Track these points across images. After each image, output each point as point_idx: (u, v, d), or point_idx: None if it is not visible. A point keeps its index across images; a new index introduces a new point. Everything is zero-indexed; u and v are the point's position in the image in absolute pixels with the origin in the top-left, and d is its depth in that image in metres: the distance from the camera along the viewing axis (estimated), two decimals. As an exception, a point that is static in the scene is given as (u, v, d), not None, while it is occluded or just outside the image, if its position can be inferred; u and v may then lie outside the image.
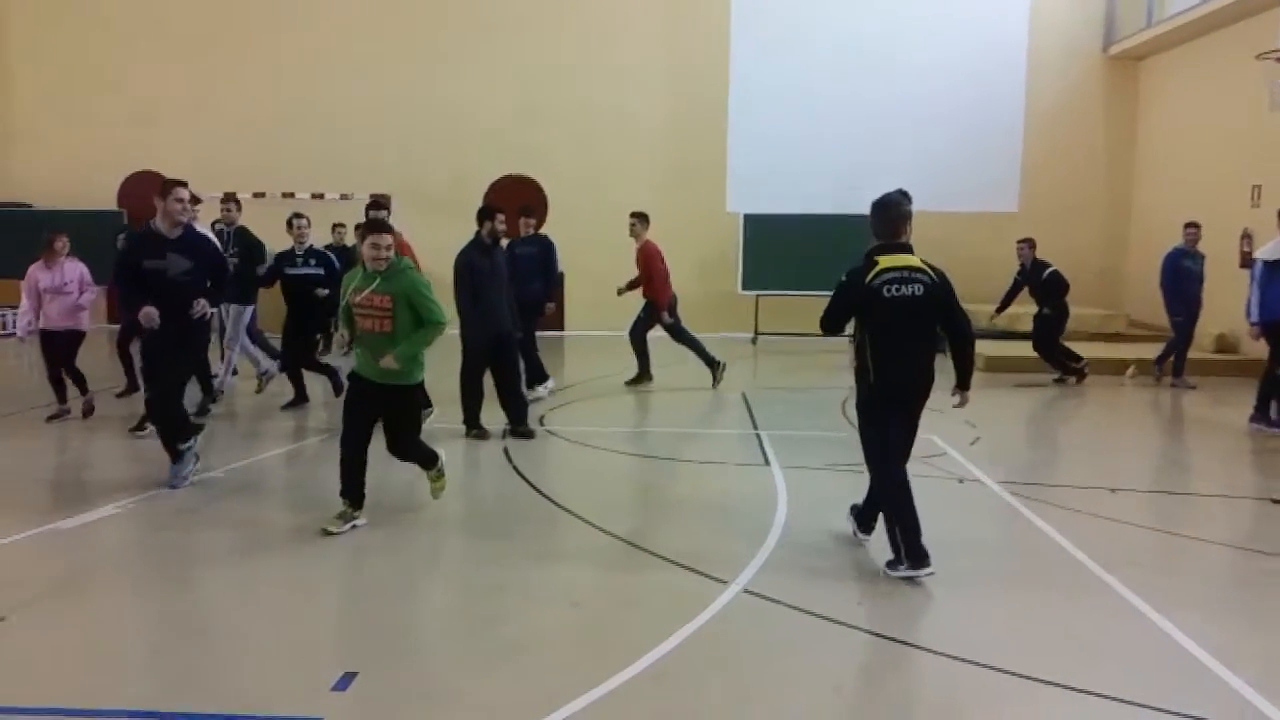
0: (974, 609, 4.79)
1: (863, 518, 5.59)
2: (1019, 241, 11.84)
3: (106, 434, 8.36)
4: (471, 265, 8.26)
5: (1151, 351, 12.10)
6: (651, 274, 10.86)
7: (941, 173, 16.02)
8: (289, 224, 9.41)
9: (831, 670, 4.12)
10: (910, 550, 4.97)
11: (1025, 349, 12.06)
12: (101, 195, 16.45)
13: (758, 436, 8.66)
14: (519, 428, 8.46)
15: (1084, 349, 12.47)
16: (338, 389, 9.34)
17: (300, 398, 9.56)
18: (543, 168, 16.40)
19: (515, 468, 7.44)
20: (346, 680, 3.87)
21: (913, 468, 7.26)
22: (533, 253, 9.88)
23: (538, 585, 5.07)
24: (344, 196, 15.87)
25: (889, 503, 5.16)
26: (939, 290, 5.06)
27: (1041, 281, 11.61)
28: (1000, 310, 12.05)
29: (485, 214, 8.45)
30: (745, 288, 16.00)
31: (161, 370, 6.62)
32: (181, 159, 15.92)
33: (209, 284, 6.77)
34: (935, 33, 16.25)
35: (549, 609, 4.73)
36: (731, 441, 8.64)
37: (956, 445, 8.09)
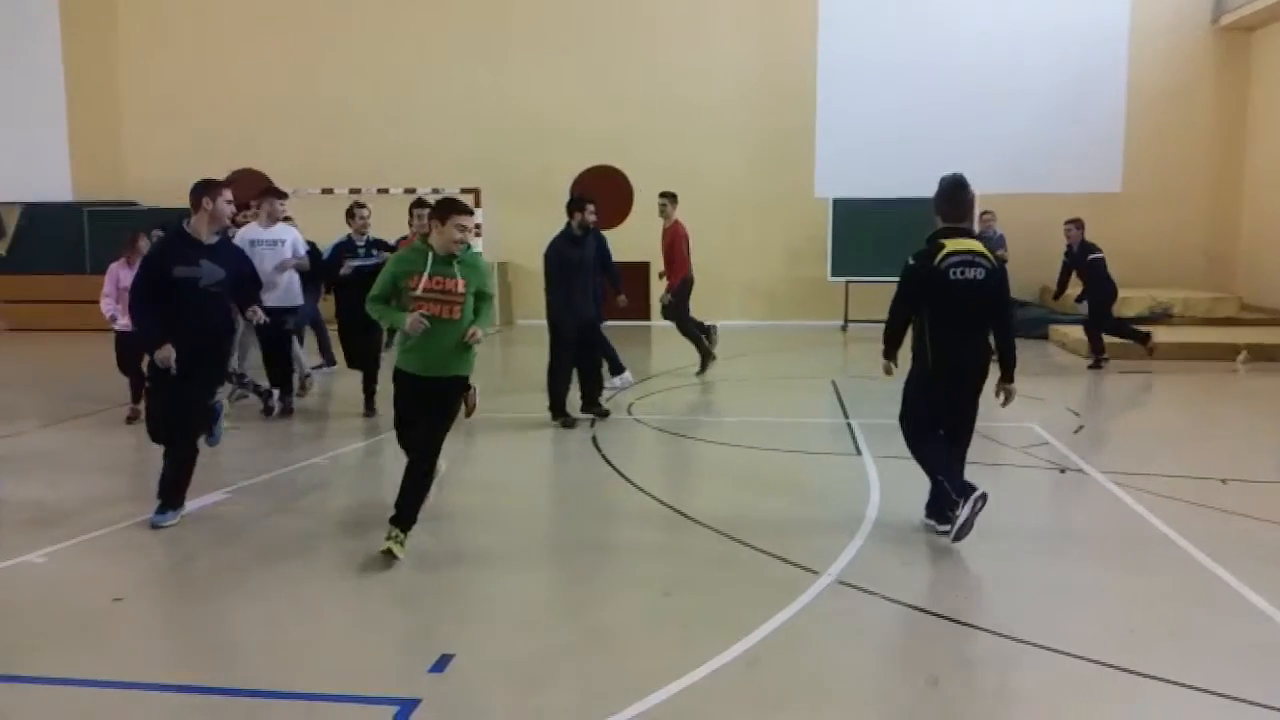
0: (1075, 601, 4.65)
1: (936, 510, 5.58)
2: (1067, 222, 11.53)
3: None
4: (562, 257, 8.36)
5: (1266, 336, 11.56)
6: (673, 255, 10.83)
7: (1040, 153, 15.61)
8: (350, 213, 9.03)
9: (927, 661, 4.05)
10: (957, 490, 5.10)
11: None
12: (206, 194, 17.05)
13: (849, 425, 8.55)
14: (593, 406, 8.64)
15: (1192, 333, 11.98)
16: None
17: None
18: (628, 158, 16.43)
19: (604, 456, 7.49)
20: (444, 662, 3.95)
21: (1013, 457, 7.16)
22: None
23: (629, 572, 5.11)
24: (436, 191, 16.15)
25: (929, 465, 5.34)
26: (998, 276, 5.28)
27: (1087, 264, 11.29)
28: (1058, 294, 12.00)
29: (575, 205, 8.52)
30: (835, 274, 15.77)
31: (181, 394, 5.71)
32: (281, 158, 16.50)
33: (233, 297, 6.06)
34: (1032, 7, 15.77)
35: (640, 596, 4.77)
36: (822, 430, 8.54)
37: (1058, 434, 7.85)
